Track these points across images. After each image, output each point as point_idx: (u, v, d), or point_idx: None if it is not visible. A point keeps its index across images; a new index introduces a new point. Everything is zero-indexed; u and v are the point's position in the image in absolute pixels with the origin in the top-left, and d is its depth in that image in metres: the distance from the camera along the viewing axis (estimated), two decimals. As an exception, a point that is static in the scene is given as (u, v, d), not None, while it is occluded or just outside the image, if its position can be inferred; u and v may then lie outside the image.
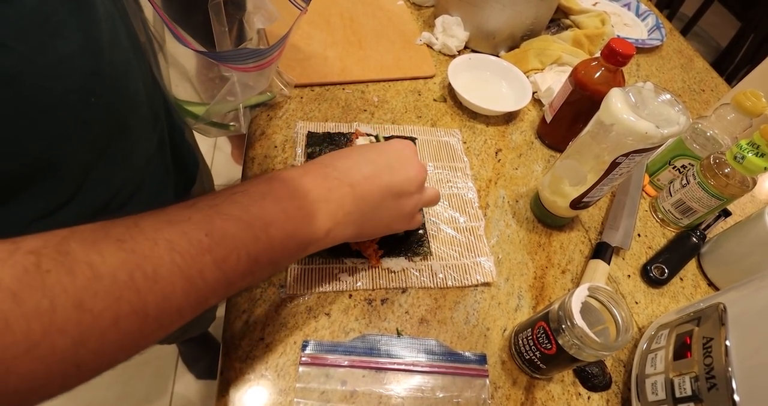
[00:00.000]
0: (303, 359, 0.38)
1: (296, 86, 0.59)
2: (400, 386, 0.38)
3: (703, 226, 0.56)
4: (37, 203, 0.30)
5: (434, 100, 0.63)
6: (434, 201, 0.42)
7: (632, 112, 0.38)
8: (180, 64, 0.49)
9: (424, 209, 0.49)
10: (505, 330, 0.44)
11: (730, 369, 0.31)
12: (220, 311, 0.41)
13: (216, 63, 0.44)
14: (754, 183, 0.49)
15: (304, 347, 0.38)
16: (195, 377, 1.16)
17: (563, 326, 0.35)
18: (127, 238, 0.21)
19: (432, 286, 0.45)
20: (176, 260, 0.22)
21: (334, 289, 0.43)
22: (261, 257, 0.26)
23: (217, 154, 1.60)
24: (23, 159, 0.27)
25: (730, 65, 1.70)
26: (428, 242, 0.46)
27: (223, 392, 0.36)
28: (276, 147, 0.52)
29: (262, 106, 0.54)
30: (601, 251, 0.50)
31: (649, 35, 0.87)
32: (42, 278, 0.18)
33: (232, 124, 0.53)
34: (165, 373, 1.16)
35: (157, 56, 0.46)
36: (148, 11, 0.43)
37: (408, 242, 0.46)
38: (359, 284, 0.43)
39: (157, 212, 0.24)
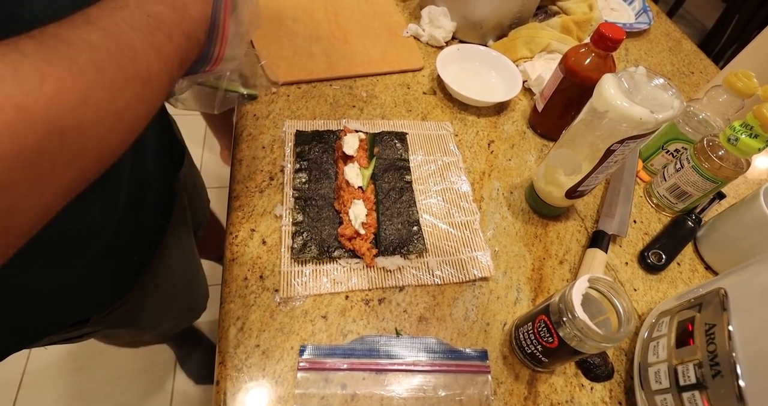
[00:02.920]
0: (301, 364, 0.37)
1: (282, 84, 0.58)
2: (402, 386, 0.38)
3: (698, 209, 0.55)
4: None
5: (424, 93, 0.62)
6: None
7: (626, 97, 0.38)
8: None
9: (420, 204, 0.48)
10: (505, 324, 0.43)
11: (734, 355, 0.31)
12: (214, 314, 0.40)
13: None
14: (748, 164, 0.49)
15: (301, 352, 0.38)
16: (194, 381, 1.15)
17: (564, 319, 0.34)
18: (93, 21, 0.23)
19: (429, 283, 0.44)
20: (140, 36, 0.25)
21: (330, 291, 0.42)
22: (191, 33, 0.29)
23: (207, 156, 1.58)
24: None
25: (716, 46, 1.70)
26: (423, 239, 0.46)
27: (220, 402, 0.35)
28: (264, 148, 0.51)
29: (243, 98, 0.52)
30: (598, 240, 0.50)
31: (636, 19, 0.86)
32: (56, 51, 0.20)
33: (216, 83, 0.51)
34: (163, 380, 1.15)
35: None
36: None
37: (402, 239, 0.45)
38: (355, 284, 0.42)
39: (99, 4, 0.26)
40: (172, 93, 0.53)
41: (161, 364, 1.17)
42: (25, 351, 1.14)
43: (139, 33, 0.25)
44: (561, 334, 0.35)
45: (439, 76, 0.61)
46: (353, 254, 0.43)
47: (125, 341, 0.88)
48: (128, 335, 0.78)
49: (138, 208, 0.44)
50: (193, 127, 1.58)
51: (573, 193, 0.47)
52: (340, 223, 0.44)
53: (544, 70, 0.64)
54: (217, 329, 0.39)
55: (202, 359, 1.14)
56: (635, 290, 0.49)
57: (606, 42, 0.48)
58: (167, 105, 0.55)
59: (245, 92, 0.53)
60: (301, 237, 0.43)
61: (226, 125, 1.41)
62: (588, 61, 0.51)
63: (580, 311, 0.33)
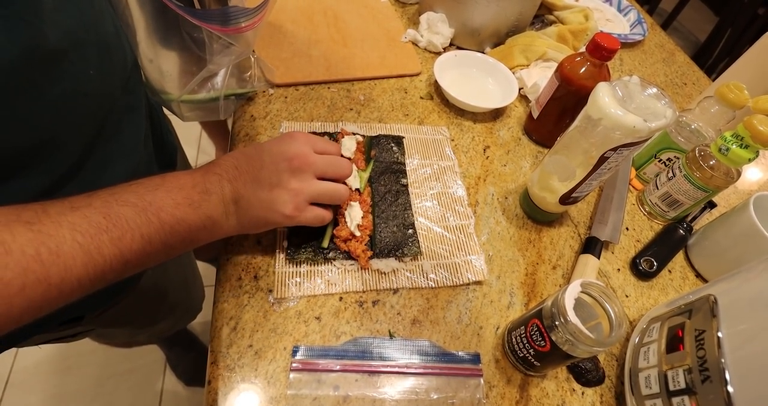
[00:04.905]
0: (293, 365, 0.37)
1: (280, 86, 0.58)
2: (394, 388, 0.38)
3: (689, 218, 0.56)
4: (41, 178, 0.33)
5: (421, 97, 0.63)
6: (328, 195, 0.40)
7: (620, 106, 0.38)
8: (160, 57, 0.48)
9: (415, 208, 0.49)
10: (498, 328, 0.43)
11: (723, 361, 0.31)
12: (208, 315, 0.40)
13: (199, 24, 0.43)
14: (738, 174, 0.50)
15: (294, 352, 0.38)
16: (184, 383, 1.13)
17: (557, 323, 0.35)
18: (35, 221, 0.25)
19: (423, 286, 0.44)
20: (77, 238, 0.26)
21: (324, 292, 0.42)
22: (153, 238, 0.30)
23: (201, 157, 1.57)
24: (33, 134, 0.30)
25: (709, 59, 1.73)
26: (418, 242, 0.46)
27: (211, 402, 0.35)
28: (261, 148, 0.51)
29: (242, 97, 0.53)
30: (591, 246, 0.50)
31: (631, 30, 0.88)
32: None
33: (213, 96, 0.52)
34: (152, 381, 1.14)
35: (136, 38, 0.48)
36: None
37: (397, 242, 0.45)
38: (349, 286, 0.42)
39: (62, 200, 0.27)
40: (180, 116, 0.54)
41: (150, 365, 1.16)
42: (12, 350, 1.13)
43: (77, 235, 0.26)
44: (553, 338, 0.35)
45: (436, 81, 0.61)
46: (348, 255, 0.43)
47: (120, 342, 0.87)
48: (123, 335, 0.78)
49: None
50: (187, 129, 1.58)
51: (567, 199, 0.47)
52: (336, 224, 0.45)
53: (540, 77, 0.65)
54: (210, 328, 0.39)
55: (193, 361, 1.13)
56: (627, 296, 0.50)
57: (601, 51, 0.49)
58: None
59: (242, 92, 0.53)
60: (296, 238, 0.43)
61: (221, 127, 1.41)
62: (583, 69, 0.52)
63: (572, 315, 0.33)
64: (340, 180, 0.42)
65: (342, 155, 0.49)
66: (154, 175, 0.34)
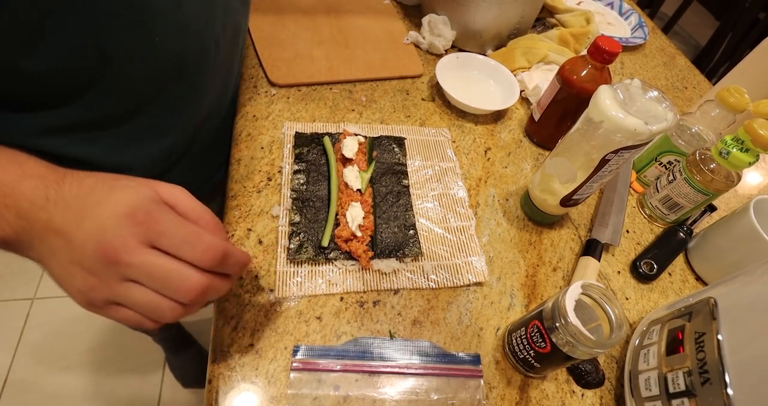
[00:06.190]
0: (294, 364, 0.37)
1: (283, 86, 0.58)
2: (394, 389, 0.38)
3: (689, 221, 0.56)
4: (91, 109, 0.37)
5: (422, 99, 0.63)
6: (140, 308, 0.28)
7: (621, 109, 0.38)
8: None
9: (416, 208, 0.49)
10: (498, 330, 0.43)
11: (723, 363, 0.31)
12: (209, 312, 0.40)
13: None
14: (739, 178, 0.50)
15: (295, 352, 0.38)
16: (182, 385, 1.13)
17: (557, 324, 0.35)
18: None
19: (424, 286, 0.44)
20: None
21: (325, 292, 0.42)
22: None
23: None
24: (91, 53, 0.33)
25: (710, 63, 1.74)
26: (419, 243, 0.46)
27: (212, 401, 0.35)
28: (263, 148, 0.51)
29: None
30: (591, 248, 0.50)
31: (632, 34, 0.88)
32: None
33: None
34: (151, 381, 1.14)
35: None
36: None
37: (398, 243, 0.45)
38: (350, 286, 0.43)
39: None
40: None
41: (150, 365, 1.15)
42: (10, 350, 1.13)
43: None
44: (553, 339, 0.35)
45: (438, 83, 0.61)
46: (349, 255, 0.44)
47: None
48: None
49: None
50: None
51: (568, 201, 0.48)
52: (337, 225, 0.45)
53: (541, 80, 0.65)
54: (211, 328, 0.39)
55: (192, 362, 1.13)
56: (627, 298, 0.50)
57: (602, 54, 0.50)
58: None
59: None
60: (297, 238, 0.44)
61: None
62: (584, 72, 0.52)
63: (572, 317, 0.33)
64: (178, 301, 0.28)
65: (344, 156, 0.49)
66: (9, 150, 0.29)
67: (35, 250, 0.28)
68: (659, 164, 0.58)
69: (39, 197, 0.27)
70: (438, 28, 0.68)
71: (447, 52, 0.70)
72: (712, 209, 0.59)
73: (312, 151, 0.51)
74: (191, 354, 1.13)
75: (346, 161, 0.49)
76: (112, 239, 0.26)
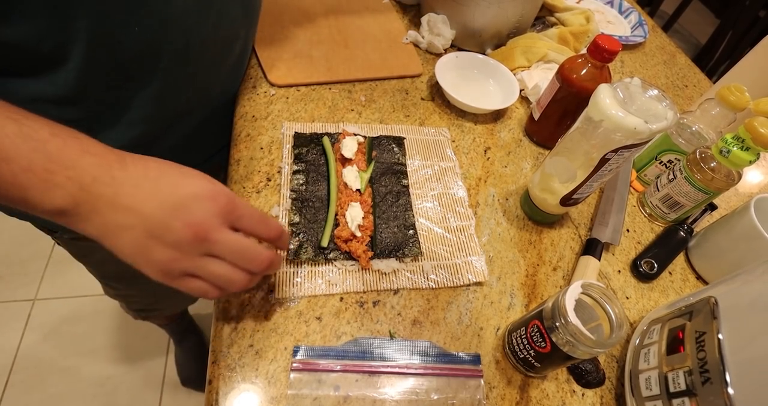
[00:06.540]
0: (294, 365, 0.37)
1: (282, 86, 0.58)
2: (394, 389, 0.38)
3: (690, 220, 0.56)
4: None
5: (422, 98, 0.63)
6: (212, 281, 0.32)
7: (621, 107, 0.38)
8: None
9: (416, 208, 0.49)
10: (498, 329, 0.43)
11: (723, 362, 0.31)
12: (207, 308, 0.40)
13: None
14: (739, 177, 0.50)
15: (295, 352, 0.38)
16: (180, 382, 1.13)
17: (557, 324, 0.35)
18: None
19: (424, 286, 0.44)
20: None
21: (325, 292, 0.42)
22: None
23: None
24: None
25: (710, 62, 1.73)
26: (419, 242, 0.46)
27: (212, 401, 0.35)
28: (262, 148, 0.51)
29: None
30: (592, 247, 0.50)
31: (632, 32, 0.88)
32: None
33: None
34: (152, 381, 1.14)
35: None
36: None
37: (398, 243, 0.45)
38: (350, 286, 0.43)
39: None
40: None
41: (150, 365, 1.16)
42: (12, 350, 1.13)
43: None
44: (554, 339, 0.35)
45: (437, 82, 0.61)
46: (349, 256, 0.44)
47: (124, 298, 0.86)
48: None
49: None
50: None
51: (568, 200, 0.48)
52: (337, 225, 0.45)
53: (541, 79, 0.65)
54: (211, 328, 0.39)
55: (197, 360, 1.13)
56: (627, 298, 0.50)
57: (602, 53, 0.49)
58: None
59: None
60: (297, 238, 0.44)
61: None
62: (584, 71, 0.52)
63: (572, 316, 0.33)
64: (251, 271, 0.33)
65: (344, 156, 0.49)
66: (62, 127, 0.30)
67: (92, 223, 0.30)
68: (659, 163, 0.58)
69: (103, 174, 0.29)
70: (437, 28, 0.68)
71: (446, 51, 0.70)
72: (712, 207, 0.59)
73: (311, 151, 0.51)
74: (197, 353, 1.14)
75: (345, 161, 0.49)
76: (201, 219, 0.30)
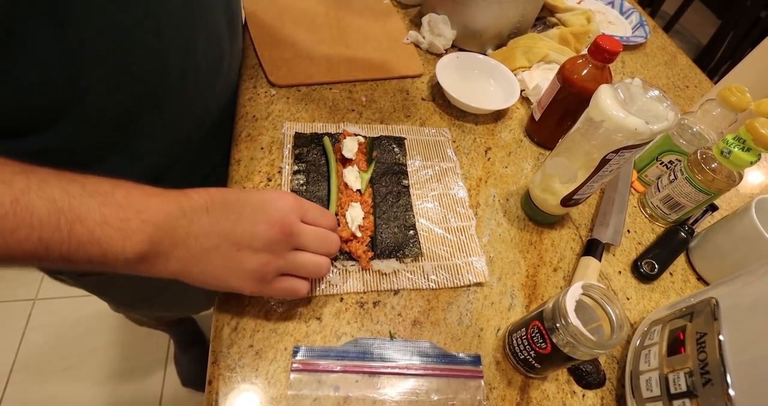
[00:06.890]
0: (294, 365, 0.37)
1: (282, 86, 0.58)
2: (394, 390, 0.37)
3: (690, 221, 0.56)
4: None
5: (422, 99, 0.63)
6: (305, 270, 0.36)
7: (621, 108, 0.38)
8: None
9: (416, 209, 0.49)
10: (498, 330, 0.43)
11: (724, 363, 0.31)
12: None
13: None
14: (740, 177, 0.50)
15: (295, 353, 0.38)
16: (181, 383, 1.13)
17: (558, 325, 0.35)
18: None
19: (424, 287, 0.44)
20: None
21: (325, 292, 0.42)
22: (53, 246, 0.26)
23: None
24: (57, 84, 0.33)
25: (711, 62, 1.73)
26: (419, 243, 0.46)
27: (212, 402, 0.35)
28: (263, 149, 0.51)
29: None
30: (592, 248, 0.50)
31: (633, 33, 0.88)
32: None
33: None
34: (152, 381, 1.14)
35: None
36: None
37: (398, 243, 0.45)
38: (350, 287, 0.42)
39: (1, 166, 0.26)
40: None
41: (151, 365, 1.16)
42: (11, 350, 1.13)
43: None
44: (554, 340, 0.35)
45: (438, 83, 0.61)
46: (349, 256, 0.44)
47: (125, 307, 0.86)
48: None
49: None
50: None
51: (568, 201, 0.47)
52: (337, 225, 0.45)
53: (542, 79, 0.65)
54: (211, 328, 0.39)
55: (196, 362, 1.13)
56: (628, 298, 0.50)
57: (603, 54, 0.49)
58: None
59: None
60: (297, 238, 0.44)
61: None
62: (585, 72, 0.52)
63: (573, 317, 0.33)
64: (330, 254, 0.38)
65: (344, 156, 0.49)
66: (114, 180, 0.30)
67: (174, 257, 0.31)
68: (660, 164, 0.58)
69: (174, 210, 0.31)
70: (438, 28, 0.68)
71: (447, 51, 0.70)
72: (713, 208, 0.59)
73: (312, 151, 0.51)
74: (198, 354, 1.14)
75: (345, 162, 0.49)
76: (282, 219, 0.34)
